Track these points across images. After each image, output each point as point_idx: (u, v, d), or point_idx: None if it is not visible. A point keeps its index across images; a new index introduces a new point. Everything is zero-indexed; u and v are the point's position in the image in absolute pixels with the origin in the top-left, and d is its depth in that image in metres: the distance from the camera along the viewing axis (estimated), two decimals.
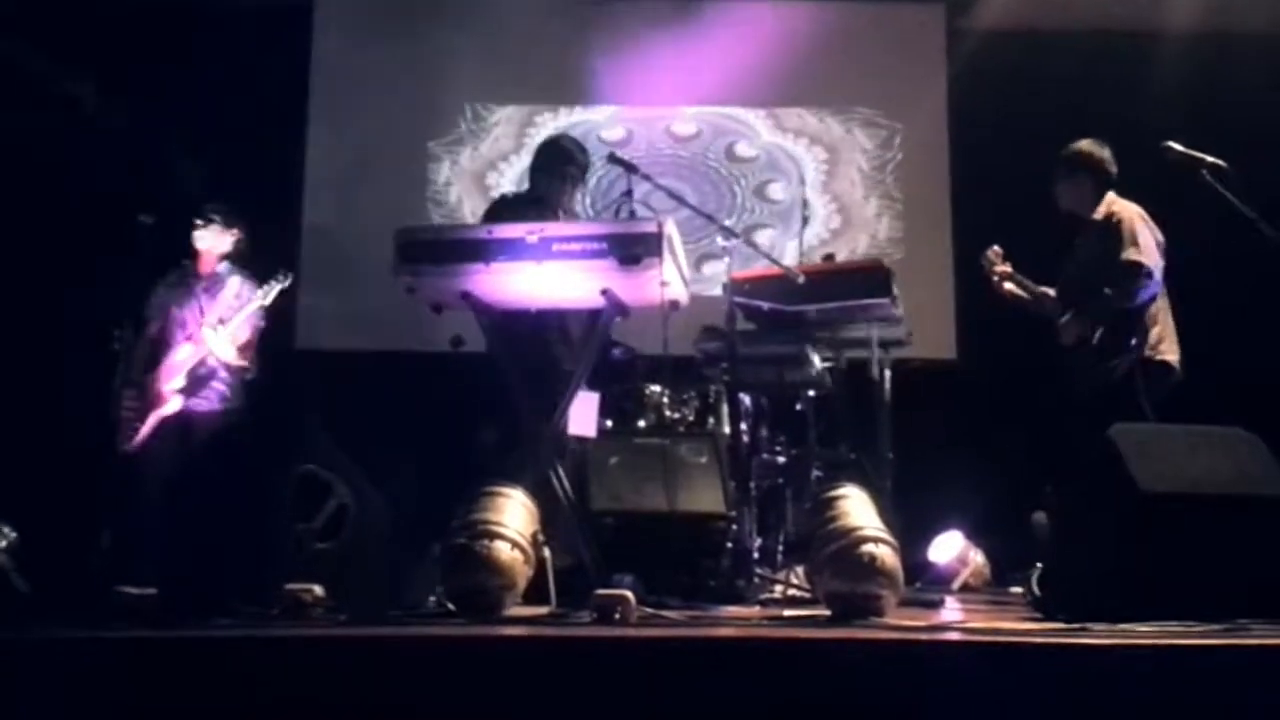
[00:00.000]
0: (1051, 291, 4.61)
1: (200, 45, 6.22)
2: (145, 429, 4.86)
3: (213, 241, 5.12)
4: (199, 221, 5.09)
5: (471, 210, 6.50)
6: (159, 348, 4.99)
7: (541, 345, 4.15)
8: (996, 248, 4.74)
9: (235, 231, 5.15)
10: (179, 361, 4.94)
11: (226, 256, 5.15)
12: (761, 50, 6.55)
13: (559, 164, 4.54)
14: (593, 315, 4.03)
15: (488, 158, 6.64)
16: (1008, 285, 4.68)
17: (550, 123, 6.62)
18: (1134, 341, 4.39)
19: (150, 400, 4.90)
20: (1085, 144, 4.62)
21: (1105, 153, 4.61)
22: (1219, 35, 6.33)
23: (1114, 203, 4.55)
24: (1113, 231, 4.46)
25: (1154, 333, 4.43)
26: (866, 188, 6.68)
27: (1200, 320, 4.54)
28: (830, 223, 6.65)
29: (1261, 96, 6.11)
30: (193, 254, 5.12)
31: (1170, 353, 4.45)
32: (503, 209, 4.48)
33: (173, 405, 4.90)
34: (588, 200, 4.52)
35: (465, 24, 6.58)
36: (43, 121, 5.97)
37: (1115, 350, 4.38)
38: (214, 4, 6.40)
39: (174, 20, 6.29)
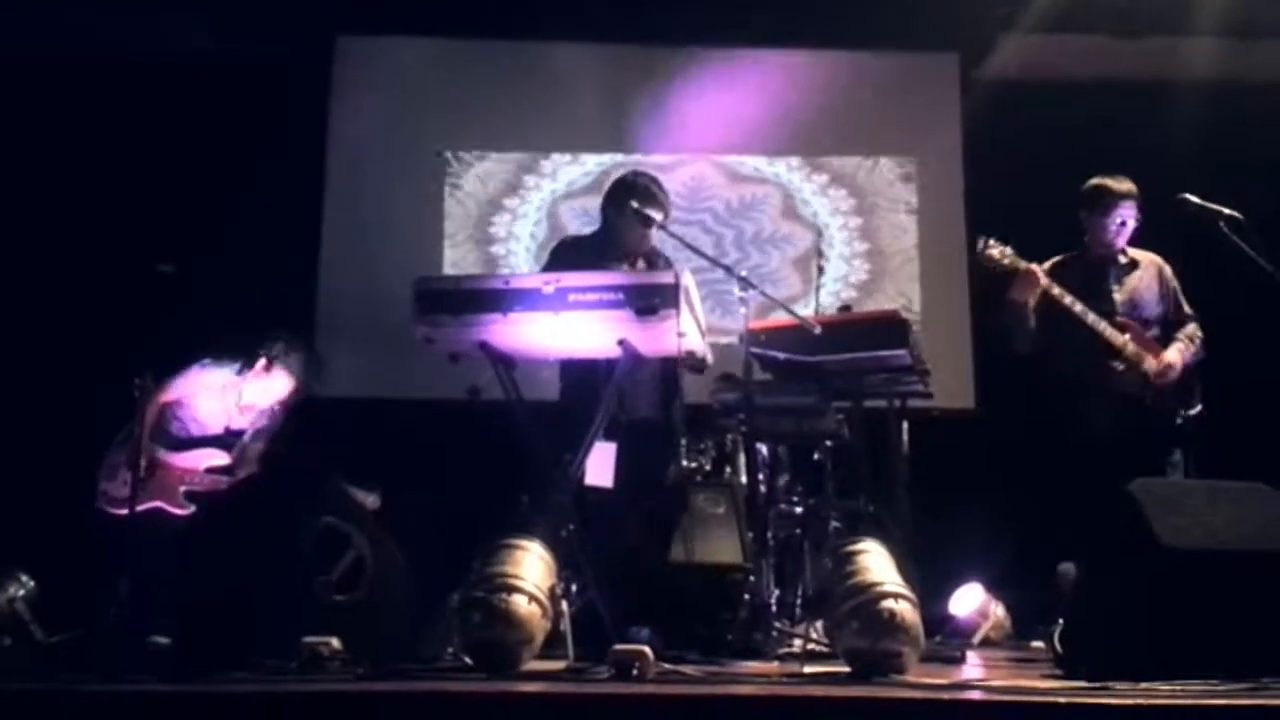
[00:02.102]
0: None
1: (219, 97, 6.31)
2: (142, 506, 4.49)
3: (272, 390, 4.89)
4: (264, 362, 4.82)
5: (461, 256, 6.52)
6: (168, 421, 4.82)
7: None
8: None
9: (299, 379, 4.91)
10: (204, 459, 4.80)
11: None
12: (775, 99, 6.60)
13: (624, 204, 4.24)
14: (665, 362, 4.04)
15: (492, 201, 6.67)
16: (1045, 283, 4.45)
17: (562, 169, 6.67)
18: (1192, 395, 4.48)
19: (160, 481, 4.68)
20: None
21: None
22: (1234, 85, 6.35)
23: (1146, 252, 4.62)
24: (1167, 281, 4.59)
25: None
26: (894, 235, 6.70)
27: (1214, 370, 4.54)
28: (859, 271, 6.66)
29: (1276, 146, 6.11)
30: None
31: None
32: (566, 252, 4.37)
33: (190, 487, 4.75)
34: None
35: (482, 73, 6.65)
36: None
37: (1183, 401, 4.44)
38: (233, 57, 6.48)
39: (194, 72, 6.38)
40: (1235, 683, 2.58)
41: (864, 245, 6.70)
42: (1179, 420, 4.42)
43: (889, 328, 4.25)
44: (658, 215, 4.24)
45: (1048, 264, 4.58)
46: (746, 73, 6.66)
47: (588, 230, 4.78)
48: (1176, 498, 3.11)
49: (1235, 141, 6.10)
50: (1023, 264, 4.43)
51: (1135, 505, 3.04)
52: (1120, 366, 4.42)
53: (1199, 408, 4.48)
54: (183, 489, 4.70)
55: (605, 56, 6.68)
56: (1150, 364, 4.42)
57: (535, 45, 6.66)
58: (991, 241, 4.47)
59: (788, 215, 6.69)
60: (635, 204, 4.20)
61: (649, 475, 4.17)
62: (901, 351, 4.20)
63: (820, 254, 5.06)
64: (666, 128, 6.57)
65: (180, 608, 3.49)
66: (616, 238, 4.34)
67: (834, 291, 6.50)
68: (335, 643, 2.99)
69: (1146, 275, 4.59)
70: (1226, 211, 4.22)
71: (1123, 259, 4.61)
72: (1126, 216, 4.54)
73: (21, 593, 4.25)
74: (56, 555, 4.42)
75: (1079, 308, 4.41)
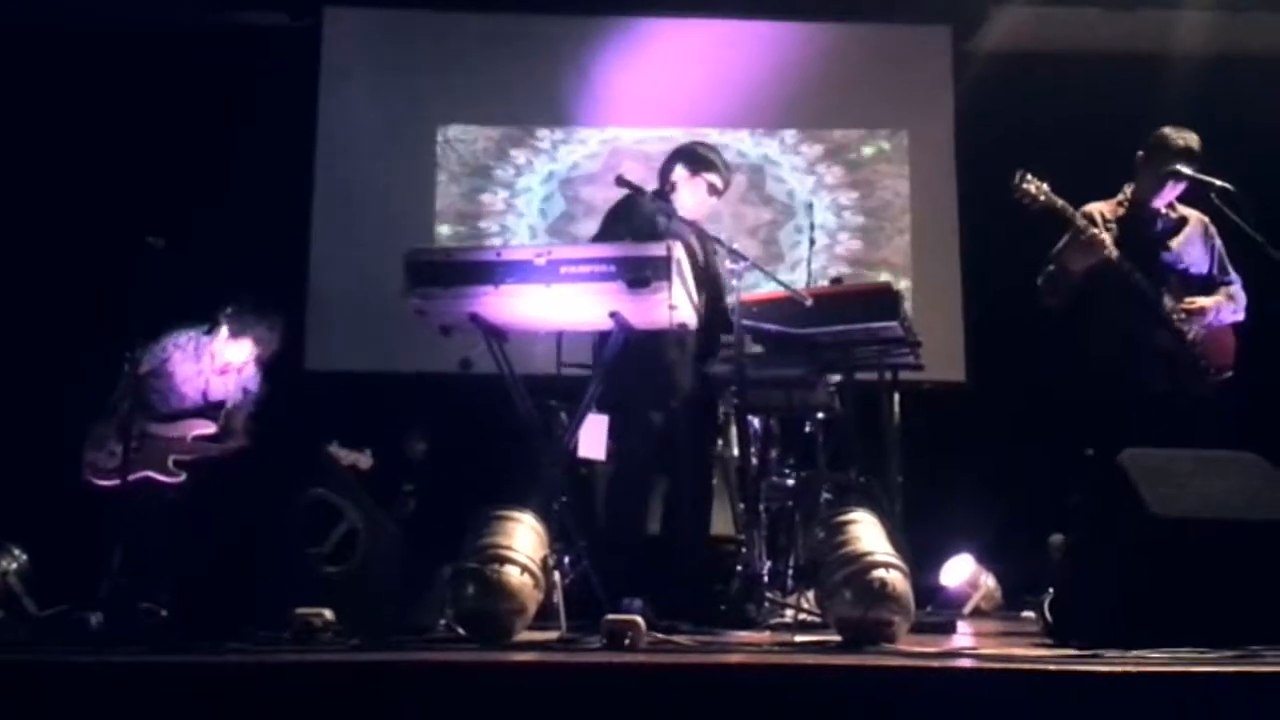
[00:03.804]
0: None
1: (210, 68, 6.27)
2: (132, 476, 4.53)
3: (243, 355, 4.94)
4: (228, 327, 4.90)
5: (453, 228, 6.51)
6: (148, 393, 4.83)
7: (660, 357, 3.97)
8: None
9: (265, 341, 4.94)
10: (191, 428, 4.83)
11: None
12: (767, 70, 6.58)
13: (688, 172, 4.30)
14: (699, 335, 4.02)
15: (484, 173, 6.64)
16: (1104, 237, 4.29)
17: (559, 145, 6.64)
18: (1233, 358, 4.40)
19: (148, 452, 4.70)
20: None
21: None
22: (1226, 58, 6.35)
23: (1192, 210, 4.49)
24: (1212, 239, 4.46)
25: None
26: (885, 208, 6.69)
27: None
28: (850, 244, 6.65)
29: (1270, 119, 6.11)
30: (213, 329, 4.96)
31: None
32: (629, 209, 4.26)
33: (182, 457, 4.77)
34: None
35: (472, 45, 6.62)
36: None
37: (1215, 364, 4.36)
38: (223, 28, 6.44)
39: (184, 44, 6.33)
40: (1224, 650, 2.59)
41: (855, 218, 6.70)
42: (1211, 385, 4.31)
43: (880, 300, 4.24)
44: (718, 182, 4.32)
45: (1094, 206, 4.45)
46: (739, 44, 6.64)
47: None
48: (1165, 467, 3.12)
49: (1227, 113, 6.08)
50: (1064, 205, 4.24)
51: (1124, 474, 3.05)
52: (1156, 321, 4.30)
53: (1228, 374, 4.37)
54: (172, 458, 4.71)
55: (594, 27, 6.66)
56: (1180, 315, 4.31)
57: (525, 17, 6.64)
58: (1030, 176, 4.27)
59: (747, 200, 6.65)
60: (678, 172, 4.28)
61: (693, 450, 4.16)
62: (893, 323, 4.20)
63: (811, 226, 5.06)
64: (656, 100, 6.55)
65: (173, 579, 3.49)
66: (672, 204, 4.31)
67: (825, 248, 6.48)
68: (328, 614, 2.99)
69: (1193, 233, 4.46)
70: (1218, 183, 4.20)
71: (1171, 214, 4.47)
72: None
73: (14, 566, 4.25)
74: (48, 528, 4.43)
75: (1126, 266, 4.26)
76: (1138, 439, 3.26)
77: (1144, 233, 4.44)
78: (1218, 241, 4.47)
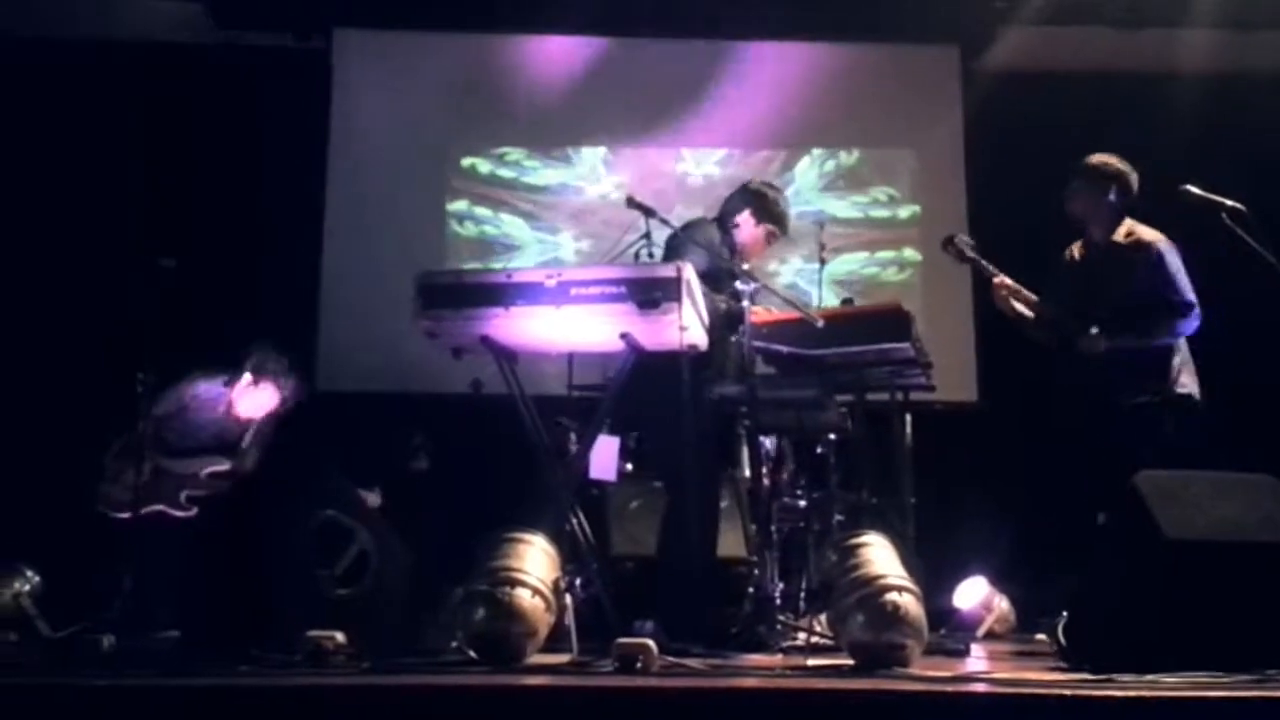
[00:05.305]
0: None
1: (220, 91, 6.30)
2: (145, 510, 4.59)
3: (261, 402, 4.99)
4: (250, 373, 4.94)
5: (467, 250, 6.53)
6: (165, 432, 4.87)
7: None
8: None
9: (286, 389, 4.99)
10: (206, 466, 4.88)
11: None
12: (775, 91, 6.60)
13: (755, 215, 4.39)
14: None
15: (496, 195, 6.66)
16: (1012, 301, 4.52)
17: (570, 163, 6.67)
18: (1153, 379, 4.34)
19: (162, 486, 4.74)
20: (1116, 160, 4.52)
21: (1134, 175, 4.52)
22: (1232, 76, 6.35)
23: (1138, 228, 4.48)
24: (1149, 261, 4.41)
25: (1174, 363, 4.36)
26: (895, 228, 6.70)
27: (1217, 359, 4.51)
28: (860, 264, 6.65)
29: (1276, 137, 6.11)
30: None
31: (1191, 385, 4.38)
32: (697, 230, 4.32)
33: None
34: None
35: (484, 67, 6.65)
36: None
37: (1133, 386, 4.32)
38: (233, 50, 6.48)
39: (194, 67, 6.38)
40: (1239, 675, 2.58)
41: (865, 238, 6.70)
42: (1132, 408, 4.30)
43: (891, 320, 4.24)
44: (778, 233, 4.44)
45: (1075, 244, 4.61)
46: (747, 65, 6.66)
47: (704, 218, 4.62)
48: (1180, 489, 3.10)
49: (1236, 132, 6.09)
50: (985, 265, 4.53)
51: (1138, 497, 3.04)
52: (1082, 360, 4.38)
53: (1154, 397, 4.33)
54: (184, 493, 4.74)
55: (604, 50, 6.68)
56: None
57: (536, 38, 6.66)
58: (956, 241, 4.64)
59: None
60: (727, 216, 4.38)
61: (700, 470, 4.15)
62: (904, 344, 4.20)
63: (822, 246, 5.05)
64: (668, 121, 6.57)
65: (185, 601, 3.50)
66: (732, 240, 4.38)
67: (832, 270, 6.46)
68: (339, 636, 2.99)
69: (1136, 259, 4.43)
70: (1229, 203, 4.20)
71: (1122, 239, 4.47)
72: (1071, 192, 4.51)
73: (27, 588, 4.27)
74: (61, 551, 4.44)
75: (1029, 313, 4.49)
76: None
77: (1091, 269, 4.52)
78: (1169, 268, 4.41)
